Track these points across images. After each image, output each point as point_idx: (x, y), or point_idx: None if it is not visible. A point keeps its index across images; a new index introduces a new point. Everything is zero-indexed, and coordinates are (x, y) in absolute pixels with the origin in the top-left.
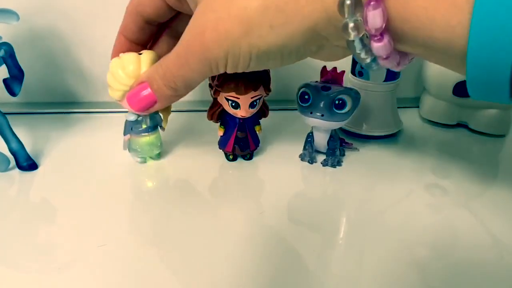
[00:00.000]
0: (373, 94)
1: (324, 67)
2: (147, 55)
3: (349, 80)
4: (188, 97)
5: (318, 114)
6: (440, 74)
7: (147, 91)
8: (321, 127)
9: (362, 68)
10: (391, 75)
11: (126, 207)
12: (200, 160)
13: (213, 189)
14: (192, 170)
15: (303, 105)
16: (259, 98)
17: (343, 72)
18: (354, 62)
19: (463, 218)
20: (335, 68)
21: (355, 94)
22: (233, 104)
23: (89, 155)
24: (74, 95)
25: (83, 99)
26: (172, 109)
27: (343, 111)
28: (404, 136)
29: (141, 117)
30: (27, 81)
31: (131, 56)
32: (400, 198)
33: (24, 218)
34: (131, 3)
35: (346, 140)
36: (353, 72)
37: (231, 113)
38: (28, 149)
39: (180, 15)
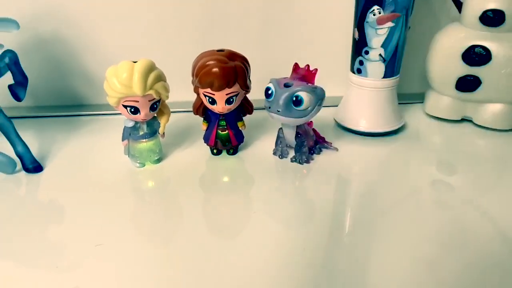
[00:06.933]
0: (372, 91)
1: (296, 64)
2: (141, 63)
3: (348, 77)
4: (186, 97)
5: (275, 109)
6: (442, 69)
7: None
8: (283, 122)
9: (360, 65)
10: (389, 72)
11: (128, 207)
12: (198, 159)
13: (210, 188)
14: (190, 170)
15: (266, 99)
16: (236, 95)
17: (316, 70)
18: (353, 60)
19: (471, 215)
20: (307, 66)
21: (316, 93)
22: (210, 100)
23: (94, 156)
24: (80, 98)
25: (89, 101)
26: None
27: (300, 108)
28: (408, 132)
29: (138, 123)
30: (35, 85)
31: (125, 64)
32: (406, 195)
33: (31, 217)
34: None
35: (326, 139)
36: (352, 69)
37: (210, 109)
38: (36, 151)
39: None
